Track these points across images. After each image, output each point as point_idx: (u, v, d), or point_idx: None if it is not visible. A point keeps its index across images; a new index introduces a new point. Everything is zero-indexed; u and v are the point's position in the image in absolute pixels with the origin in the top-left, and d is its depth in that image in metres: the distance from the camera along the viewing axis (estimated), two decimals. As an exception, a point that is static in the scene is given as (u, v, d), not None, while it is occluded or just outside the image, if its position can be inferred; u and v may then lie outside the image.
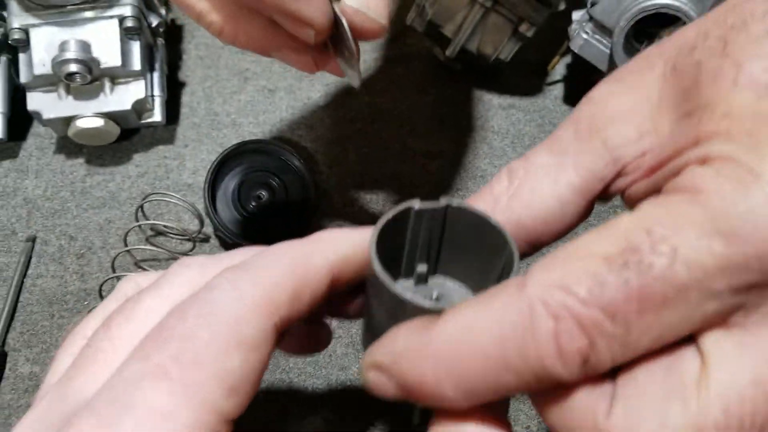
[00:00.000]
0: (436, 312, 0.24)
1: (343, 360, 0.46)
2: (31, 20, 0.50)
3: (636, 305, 0.22)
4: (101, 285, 0.46)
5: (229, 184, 0.50)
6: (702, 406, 0.22)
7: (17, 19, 0.50)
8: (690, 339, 0.23)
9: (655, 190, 0.25)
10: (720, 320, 0.23)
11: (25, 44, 0.50)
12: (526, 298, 0.22)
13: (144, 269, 0.48)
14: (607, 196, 0.28)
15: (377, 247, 0.26)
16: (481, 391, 0.23)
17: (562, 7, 0.56)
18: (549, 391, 0.24)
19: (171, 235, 0.51)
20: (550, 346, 0.22)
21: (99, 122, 0.51)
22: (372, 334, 0.27)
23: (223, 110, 0.58)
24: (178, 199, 0.48)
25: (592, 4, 0.53)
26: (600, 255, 0.22)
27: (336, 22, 0.32)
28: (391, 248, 0.28)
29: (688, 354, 0.23)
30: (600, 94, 0.28)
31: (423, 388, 0.24)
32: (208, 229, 0.51)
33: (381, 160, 0.55)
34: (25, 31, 0.50)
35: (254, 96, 0.59)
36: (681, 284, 0.21)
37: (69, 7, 0.50)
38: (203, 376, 0.23)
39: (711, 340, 0.23)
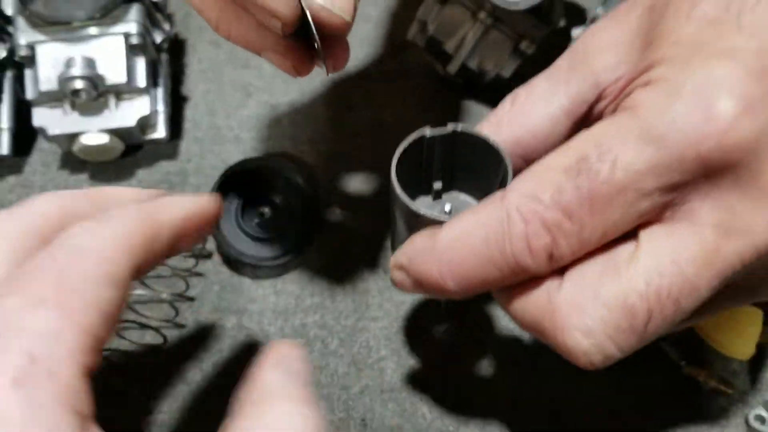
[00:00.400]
0: (442, 222, 0.31)
1: (345, 379, 0.46)
2: (38, 37, 0.51)
3: (587, 206, 0.27)
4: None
5: (232, 201, 0.51)
6: (628, 279, 0.27)
7: (24, 35, 0.51)
8: (632, 236, 0.28)
9: (622, 99, 0.30)
10: (654, 217, 0.28)
11: (31, 60, 0.51)
12: (505, 207, 0.28)
13: (147, 285, 0.49)
14: (591, 120, 0.32)
15: (397, 169, 0.33)
16: (472, 283, 0.30)
17: (562, 24, 0.57)
18: (518, 286, 0.30)
19: None
20: (523, 244, 0.28)
21: (104, 138, 0.52)
22: (397, 243, 0.35)
23: (226, 125, 0.59)
24: None
25: (592, 22, 0.54)
26: (561, 166, 0.28)
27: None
28: (410, 170, 0.34)
29: (626, 245, 0.28)
30: (594, 29, 0.33)
31: (431, 282, 0.31)
32: (211, 245, 0.51)
33: (383, 175, 0.55)
34: (32, 47, 0.51)
35: (257, 110, 0.59)
36: (620, 186, 0.27)
37: (75, 23, 0.51)
38: (82, 303, 0.25)
39: (645, 232, 0.28)
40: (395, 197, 0.33)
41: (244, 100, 0.60)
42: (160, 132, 0.55)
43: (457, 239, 0.30)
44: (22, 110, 0.55)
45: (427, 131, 0.34)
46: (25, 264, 0.26)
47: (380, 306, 0.49)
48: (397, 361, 0.47)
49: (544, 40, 0.55)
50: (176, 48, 0.63)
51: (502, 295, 0.31)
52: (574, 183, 0.27)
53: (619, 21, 0.32)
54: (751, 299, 0.32)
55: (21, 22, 0.51)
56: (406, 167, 0.34)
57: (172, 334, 0.48)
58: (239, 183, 0.52)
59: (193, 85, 0.61)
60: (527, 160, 0.33)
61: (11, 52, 0.54)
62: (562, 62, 0.34)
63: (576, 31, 0.56)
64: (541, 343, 0.31)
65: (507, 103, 0.35)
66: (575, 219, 0.27)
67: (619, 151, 0.27)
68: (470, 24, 0.54)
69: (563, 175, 0.28)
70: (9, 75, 0.55)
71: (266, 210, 0.50)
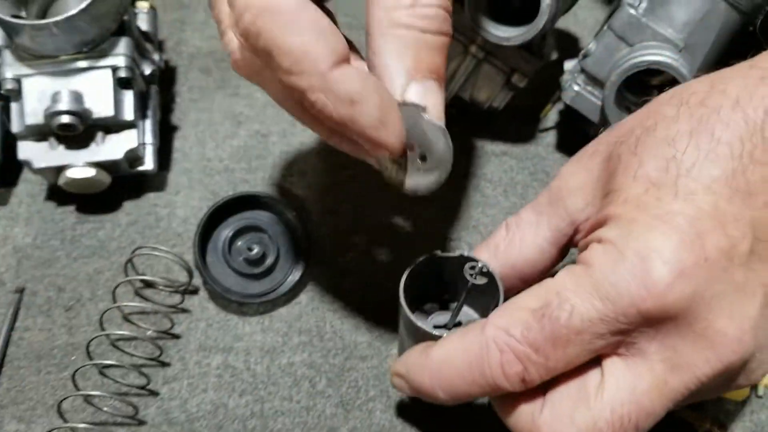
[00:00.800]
0: (438, 337, 0.38)
1: (332, 420, 0.46)
2: (24, 70, 0.51)
3: (551, 343, 0.33)
4: (89, 342, 0.46)
5: (220, 236, 0.50)
6: (597, 408, 0.33)
7: (10, 69, 0.51)
8: (598, 362, 0.34)
9: (587, 246, 0.35)
10: (611, 351, 0.34)
11: (17, 94, 0.50)
12: (484, 337, 0.34)
13: (133, 323, 0.48)
14: (573, 246, 0.39)
15: (407, 282, 0.39)
16: (460, 395, 0.36)
17: (554, 56, 0.57)
18: (505, 401, 0.36)
19: (160, 288, 0.51)
20: (499, 370, 0.34)
21: (90, 172, 0.51)
22: (401, 349, 0.42)
23: (216, 155, 0.58)
24: (166, 252, 0.48)
25: (584, 56, 0.53)
26: (529, 308, 0.34)
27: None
28: (421, 281, 0.41)
29: (594, 374, 0.34)
30: (565, 170, 0.39)
31: (424, 391, 0.38)
32: (197, 280, 0.51)
33: (373, 208, 0.55)
34: (18, 81, 0.50)
35: (247, 141, 0.59)
36: (577, 330, 0.32)
37: (62, 57, 0.50)
38: None
39: (607, 363, 0.34)
40: (401, 309, 0.39)
41: (235, 130, 0.60)
42: (148, 164, 0.54)
43: (445, 360, 0.36)
44: (7, 141, 0.55)
45: (437, 253, 0.41)
46: None
47: (369, 344, 0.49)
48: (386, 402, 0.46)
49: (536, 72, 0.55)
50: (167, 75, 0.62)
51: (498, 409, 0.37)
52: (540, 324, 0.33)
53: (584, 167, 0.38)
54: (693, 402, 0.36)
55: (7, 55, 0.51)
56: (417, 279, 0.40)
57: (156, 373, 0.47)
58: (228, 218, 0.51)
59: (183, 114, 0.61)
60: (523, 281, 0.40)
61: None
62: (542, 198, 0.40)
63: (568, 65, 0.56)
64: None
65: (502, 230, 0.41)
66: (541, 353, 0.33)
67: (575, 302, 0.33)
68: (462, 57, 0.54)
69: (531, 316, 0.33)
70: (-5, 107, 0.55)
71: (254, 246, 0.50)
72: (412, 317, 0.38)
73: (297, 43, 0.31)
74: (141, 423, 0.45)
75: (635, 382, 0.33)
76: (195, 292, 0.51)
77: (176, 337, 0.49)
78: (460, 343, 0.36)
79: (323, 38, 0.31)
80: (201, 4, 0.69)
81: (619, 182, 0.34)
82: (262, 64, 0.34)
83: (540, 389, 0.35)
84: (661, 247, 0.31)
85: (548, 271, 0.40)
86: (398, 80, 0.33)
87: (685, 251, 0.31)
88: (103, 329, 0.47)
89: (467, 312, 0.44)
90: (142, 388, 0.46)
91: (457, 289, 0.43)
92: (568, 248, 0.39)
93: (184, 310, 0.50)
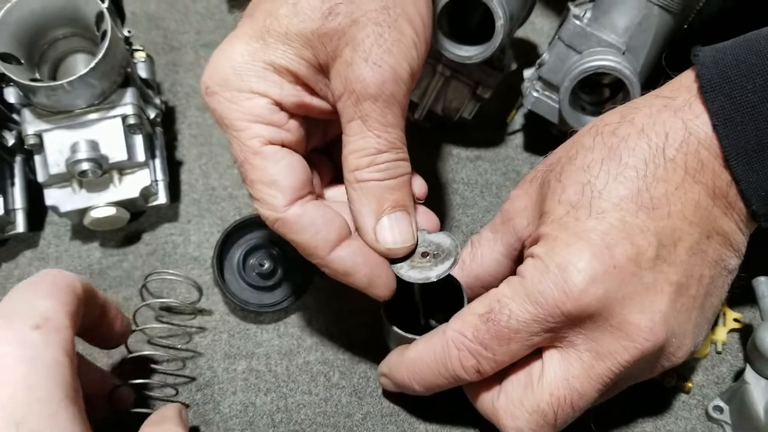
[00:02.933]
0: (411, 340, 0.46)
1: (348, 408, 0.52)
2: (44, 126, 0.56)
3: (496, 341, 0.40)
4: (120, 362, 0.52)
5: (234, 256, 0.56)
6: (539, 392, 0.41)
7: (31, 126, 0.56)
8: (540, 354, 0.42)
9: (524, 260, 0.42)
10: (548, 344, 0.41)
11: (39, 147, 0.56)
12: (445, 338, 0.42)
13: (156, 344, 0.54)
14: (524, 258, 0.43)
15: (387, 304, 0.46)
16: (431, 386, 0.44)
17: (513, 67, 0.63)
18: (471, 390, 0.45)
19: (174, 307, 0.56)
20: (458, 364, 0.42)
21: (111, 211, 0.57)
22: (389, 343, 0.50)
23: (220, 184, 0.64)
24: (175, 274, 0.53)
25: (540, 65, 0.60)
26: (477, 314, 0.41)
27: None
28: (401, 294, 0.46)
29: (537, 363, 0.42)
30: (513, 194, 0.47)
31: (404, 385, 0.46)
32: (213, 297, 0.57)
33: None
34: (39, 136, 0.56)
35: (246, 168, 0.65)
36: (515, 329, 0.40)
37: (76, 111, 0.56)
38: (65, 297, 0.40)
39: (547, 355, 0.41)
40: (384, 319, 0.47)
41: (234, 160, 0.66)
42: (161, 198, 0.60)
43: (417, 358, 0.44)
44: (32, 189, 0.61)
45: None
46: (30, 281, 0.41)
47: (374, 340, 0.55)
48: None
49: (499, 83, 0.61)
50: (167, 115, 0.68)
51: (469, 397, 0.46)
52: (486, 326, 0.40)
53: (525, 192, 0.46)
54: (639, 381, 0.44)
55: (27, 113, 0.57)
56: (398, 292, 0.46)
57: (191, 387, 0.53)
58: (239, 239, 0.57)
59: (186, 150, 0.67)
60: (486, 288, 0.45)
61: (19, 139, 0.59)
62: (497, 219, 0.48)
63: (527, 73, 0.62)
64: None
65: (468, 247, 0.49)
66: (489, 349, 0.40)
67: (513, 307, 0.40)
68: (431, 76, 0.60)
69: (479, 320, 0.41)
70: (18, 159, 0.60)
71: (266, 261, 0.56)
72: (393, 327, 0.46)
73: (301, 240, 0.43)
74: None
75: (568, 369, 0.40)
76: (209, 312, 0.56)
77: (199, 353, 0.54)
78: (428, 345, 0.43)
79: (320, 234, 0.42)
80: (189, 46, 0.74)
81: (548, 205, 0.42)
82: None
83: (497, 379, 0.43)
84: (576, 260, 0.38)
85: (505, 278, 0.45)
86: (368, 222, 0.43)
87: (595, 261, 0.38)
88: (129, 351, 0.51)
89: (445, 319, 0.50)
90: (176, 391, 0.52)
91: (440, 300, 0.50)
92: (520, 259, 0.45)
93: (202, 328, 0.56)
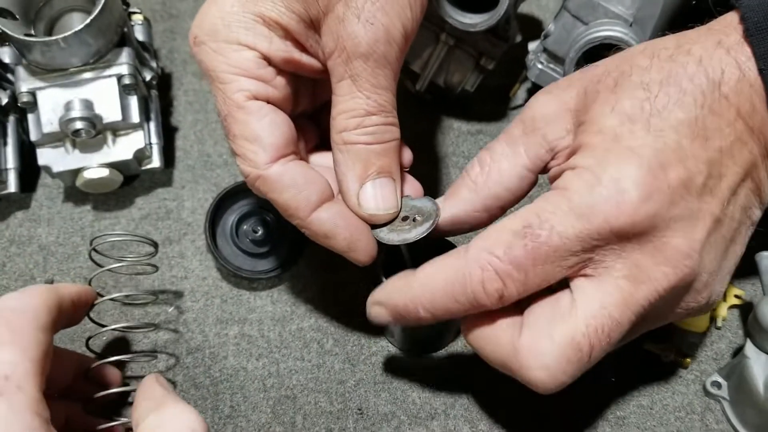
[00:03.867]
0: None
1: (341, 374, 0.51)
2: (38, 83, 0.55)
3: (531, 260, 0.36)
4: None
5: (227, 222, 0.56)
6: (571, 324, 0.37)
7: (24, 83, 0.55)
8: (566, 286, 0.38)
9: (560, 173, 0.39)
10: (580, 270, 0.37)
11: (33, 106, 0.55)
12: (468, 257, 0.38)
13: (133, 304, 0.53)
14: (545, 172, 0.42)
15: (384, 262, 0.46)
16: (440, 312, 0.39)
17: (518, 39, 0.62)
18: (483, 332, 0.40)
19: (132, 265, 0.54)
20: (480, 287, 0.37)
21: (104, 172, 0.56)
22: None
23: (215, 151, 0.63)
24: (123, 234, 0.52)
25: (545, 36, 0.59)
26: (511, 229, 0.37)
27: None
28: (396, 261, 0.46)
29: (564, 295, 0.38)
30: (536, 102, 0.42)
31: (406, 312, 0.40)
32: (206, 262, 0.56)
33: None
34: (33, 93, 0.55)
35: (243, 136, 0.64)
36: (556, 246, 0.36)
37: (71, 69, 0.55)
38: (28, 343, 0.37)
39: (576, 285, 0.38)
40: (380, 278, 0.46)
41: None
42: (155, 162, 0.59)
43: (428, 279, 0.39)
44: (24, 150, 0.60)
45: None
46: None
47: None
48: (386, 355, 0.52)
49: (503, 55, 0.60)
50: (164, 82, 0.67)
51: (477, 345, 0.41)
52: (522, 242, 0.36)
53: (557, 98, 0.41)
54: (659, 324, 0.41)
55: (21, 71, 0.56)
56: (393, 256, 0.45)
57: (180, 345, 0.52)
58: (232, 205, 0.56)
59: (182, 116, 0.66)
60: (504, 210, 0.43)
61: (13, 98, 0.58)
62: (514, 129, 0.43)
63: (532, 45, 0.61)
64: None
65: (476, 166, 0.43)
66: (521, 270, 0.37)
67: (555, 222, 0.36)
68: (434, 45, 0.59)
69: (513, 236, 0.37)
70: (12, 119, 0.59)
71: (259, 228, 0.55)
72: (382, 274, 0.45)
73: (281, 199, 0.42)
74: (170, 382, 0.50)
75: (604, 297, 0.37)
76: (157, 269, 0.52)
77: (155, 326, 0.53)
78: (443, 265, 0.39)
79: (301, 194, 0.41)
80: (188, 14, 0.73)
81: (596, 114, 0.38)
82: None
83: (515, 317, 0.39)
84: (633, 174, 0.36)
85: (524, 197, 0.43)
86: (352, 186, 0.42)
87: (651, 177, 0.36)
88: (94, 323, 0.49)
89: None
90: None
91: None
92: (538, 175, 0.43)
93: (165, 292, 0.55)
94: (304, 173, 0.42)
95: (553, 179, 0.40)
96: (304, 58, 0.43)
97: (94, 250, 0.49)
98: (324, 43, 0.41)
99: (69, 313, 0.43)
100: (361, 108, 0.41)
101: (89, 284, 0.47)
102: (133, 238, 0.49)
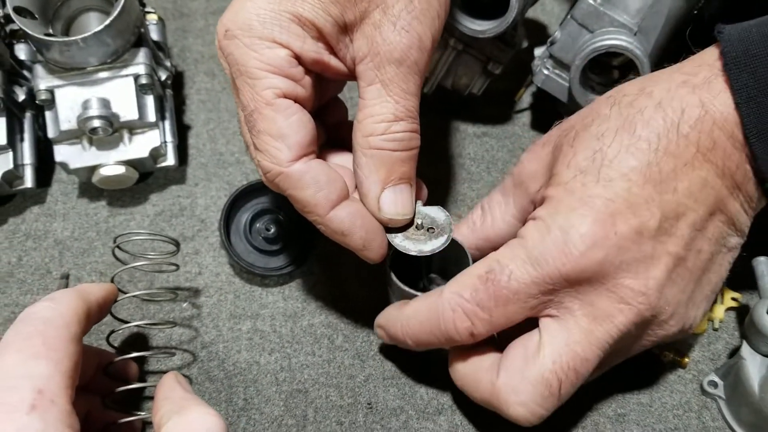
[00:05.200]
0: (414, 296, 0.46)
1: (351, 370, 0.53)
2: (56, 82, 0.57)
3: (494, 302, 0.40)
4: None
5: (241, 220, 0.57)
6: (540, 362, 0.40)
7: (43, 81, 0.56)
8: (536, 325, 0.41)
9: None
10: (543, 310, 0.41)
11: (51, 103, 0.56)
12: (442, 299, 0.42)
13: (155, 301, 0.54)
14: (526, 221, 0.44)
15: (393, 256, 0.47)
16: (422, 343, 0.44)
17: (524, 44, 0.64)
18: (467, 377, 0.44)
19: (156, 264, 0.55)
20: (451, 325, 0.41)
21: (120, 169, 0.57)
22: (391, 298, 0.50)
23: (227, 150, 0.64)
24: (146, 233, 0.52)
25: (551, 43, 0.60)
26: (476, 274, 0.41)
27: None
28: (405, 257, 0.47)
29: (534, 335, 0.41)
30: (524, 158, 0.47)
31: (397, 339, 0.46)
32: (220, 259, 0.57)
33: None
34: (51, 91, 0.56)
35: (254, 135, 0.65)
36: (515, 290, 0.40)
37: (89, 68, 0.56)
38: (60, 355, 0.38)
39: (543, 324, 0.41)
40: (388, 275, 0.47)
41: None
42: (170, 160, 0.61)
43: (413, 315, 0.44)
44: (40, 146, 0.61)
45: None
46: (9, 333, 0.39)
47: (377, 305, 0.55)
48: (395, 351, 0.53)
49: (509, 60, 0.61)
50: (176, 80, 0.68)
51: (464, 388, 0.45)
52: (485, 286, 0.40)
53: (537, 156, 0.46)
54: (631, 354, 0.44)
55: (39, 69, 0.57)
56: (403, 254, 0.46)
57: (195, 339, 0.54)
58: (246, 203, 0.58)
59: (194, 114, 0.67)
60: (495, 249, 0.44)
61: (29, 94, 0.59)
62: (508, 183, 0.48)
63: (538, 51, 0.63)
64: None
65: (478, 210, 0.50)
66: (485, 310, 0.40)
67: (512, 268, 0.40)
68: (443, 49, 0.61)
69: (478, 281, 0.41)
70: (28, 115, 0.61)
71: (272, 226, 0.56)
72: (395, 279, 0.46)
73: (301, 196, 0.43)
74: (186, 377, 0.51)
75: (567, 335, 0.40)
76: (177, 267, 0.54)
77: (173, 323, 0.54)
78: (424, 303, 0.44)
79: (321, 192, 0.42)
80: (199, 13, 0.74)
81: (557, 169, 0.42)
82: None
83: (494, 363, 0.43)
84: (579, 224, 0.39)
85: None
86: (374, 190, 0.44)
87: (597, 227, 0.38)
88: (115, 319, 0.51)
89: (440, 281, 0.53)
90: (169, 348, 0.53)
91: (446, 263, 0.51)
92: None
93: (182, 289, 0.57)
94: (325, 171, 0.43)
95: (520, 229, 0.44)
96: (333, 61, 0.44)
97: (118, 247, 0.50)
98: (357, 47, 0.43)
99: (96, 317, 0.45)
100: (390, 113, 0.43)
101: (111, 281, 0.49)
102: (157, 237, 0.50)
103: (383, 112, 0.43)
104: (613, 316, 0.39)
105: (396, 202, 0.44)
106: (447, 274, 0.49)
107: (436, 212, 0.47)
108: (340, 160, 0.48)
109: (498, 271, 0.40)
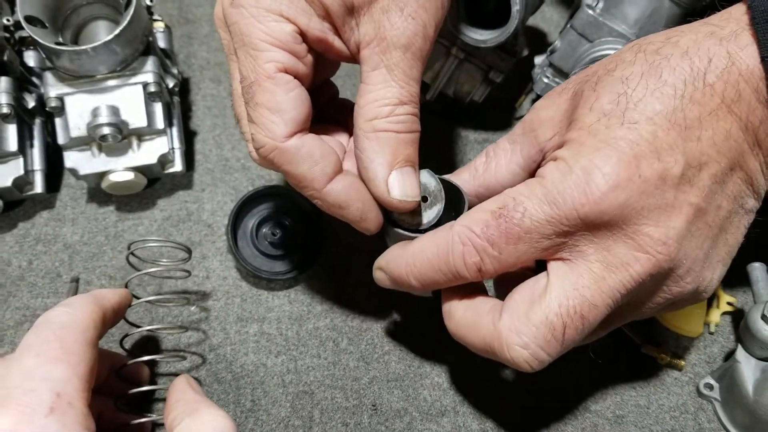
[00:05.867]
0: (413, 238, 0.44)
1: (355, 372, 0.54)
2: (66, 89, 0.58)
3: (504, 238, 0.39)
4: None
5: (247, 225, 0.58)
6: (546, 305, 0.39)
7: (53, 89, 0.58)
8: (545, 268, 0.40)
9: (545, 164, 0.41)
10: (555, 252, 0.39)
11: (61, 110, 0.58)
12: (451, 233, 0.41)
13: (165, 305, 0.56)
14: (544, 163, 0.43)
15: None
16: (428, 282, 0.43)
17: (525, 53, 0.65)
18: (469, 315, 0.43)
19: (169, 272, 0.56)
20: (461, 260, 0.40)
21: (129, 175, 0.59)
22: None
23: (233, 156, 0.66)
24: (159, 240, 0.54)
25: (551, 52, 0.62)
26: (489, 210, 0.40)
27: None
28: None
29: (542, 278, 0.40)
30: (538, 105, 0.45)
31: (400, 279, 0.44)
32: (227, 263, 0.59)
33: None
34: (61, 99, 0.57)
35: (259, 141, 0.67)
36: (527, 228, 0.38)
37: (98, 76, 0.58)
38: (77, 359, 0.40)
39: (552, 267, 0.40)
40: (386, 223, 0.46)
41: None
42: (178, 166, 0.62)
43: (419, 251, 0.43)
44: (49, 151, 0.62)
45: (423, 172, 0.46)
46: (28, 337, 0.40)
47: (380, 308, 0.57)
48: (399, 354, 0.55)
49: (510, 69, 0.63)
50: (182, 86, 0.69)
51: (457, 329, 0.44)
52: (497, 222, 0.39)
53: (554, 102, 0.44)
54: (646, 311, 0.42)
55: (49, 76, 0.58)
56: None
57: (203, 342, 0.55)
58: (252, 209, 0.59)
59: (201, 120, 0.68)
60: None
61: (39, 101, 0.61)
62: (517, 129, 0.46)
63: (538, 60, 0.64)
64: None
65: (482, 157, 0.48)
66: (495, 246, 0.39)
67: (528, 205, 0.39)
68: (445, 58, 0.62)
69: (490, 216, 0.40)
70: (38, 122, 0.62)
71: (278, 231, 0.58)
72: (395, 228, 0.46)
73: (298, 171, 0.42)
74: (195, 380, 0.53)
75: (577, 279, 0.38)
76: (187, 273, 0.55)
77: (184, 329, 0.55)
78: (432, 239, 0.43)
79: (317, 166, 0.42)
80: (204, 19, 0.76)
81: (579, 113, 0.40)
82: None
83: (497, 304, 0.42)
84: (602, 164, 0.37)
85: None
86: (381, 172, 0.43)
87: (621, 168, 0.37)
88: (129, 324, 0.53)
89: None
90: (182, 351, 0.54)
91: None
92: (533, 172, 0.44)
93: (198, 293, 0.58)
94: (319, 146, 0.43)
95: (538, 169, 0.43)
96: (336, 42, 0.44)
97: (132, 254, 0.51)
98: (363, 31, 0.43)
99: (111, 322, 0.46)
100: (395, 97, 0.43)
101: (125, 286, 0.50)
102: (170, 244, 0.51)
103: (388, 96, 0.43)
104: (629, 265, 0.38)
105: (404, 183, 0.44)
106: (441, 222, 0.47)
107: (426, 178, 0.46)
108: (328, 138, 0.48)
109: (511, 207, 0.39)
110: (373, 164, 0.43)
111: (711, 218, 0.39)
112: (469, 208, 0.43)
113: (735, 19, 0.40)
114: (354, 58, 0.45)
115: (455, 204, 0.46)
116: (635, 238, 0.38)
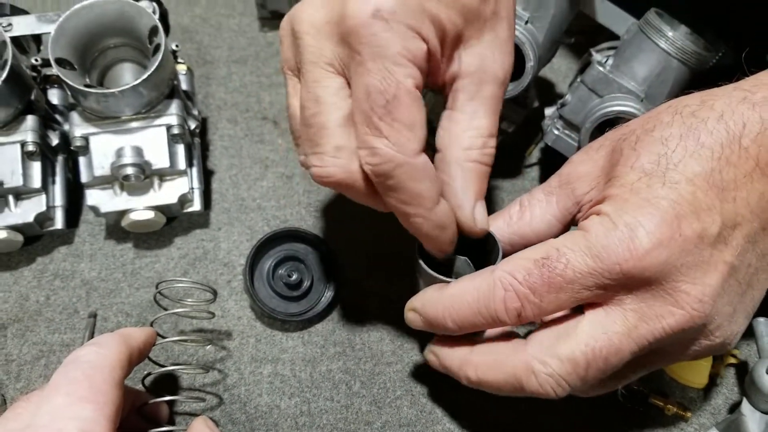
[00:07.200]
0: (449, 282, 0.45)
1: (368, 416, 0.55)
2: (91, 129, 0.59)
3: (547, 287, 0.40)
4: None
5: (264, 265, 0.59)
6: (574, 341, 0.41)
7: (78, 128, 0.59)
8: (581, 312, 0.42)
9: (587, 218, 0.42)
10: (593, 302, 0.41)
11: (85, 150, 0.59)
12: (493, 278, 0.42)
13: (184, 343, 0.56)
14: (575, 223, 0.45)
15: (420, 247, 0.47)
16: (465, 325, 0.44)
17: (536, 105, 0.67)
18: (483, 354, 0.45)
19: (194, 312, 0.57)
20: (501, 305, 0.42)
21: (150, 214, 0.60)
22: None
23: (249, 195, 0.67)
24: (186, 281, 0.55)
25: (562, 105, 0.64)
26: (532, 258, 0.41)
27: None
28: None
29: (576, 318, 0.42)
30: (575, 159, 0.47)
31: (435, 321, 0.45)
32: (242, 302, 0.60)
33: (390, 237, 0.63)
34: (86, 138, 0.59)
35: (274, 182, 0.68)
36: (570, 279, 0.40)
37: (123, 117, 0.59)
38: (105, 399, 0.41)
39: (589, 311, 0.41)
40: (418, 266, 0.47)
41: (263, 173, 0.69)
42: (197, 205, 0.63)
43: (459, 294, 0.44)
44: (70, 188, 0.63)
45: None
46: (57, 376, 0.41)
47: (393, 352, 0.58)
48: (411, 399, 0.55)
49: (522, 120, 0.65)
50: (201, 126, 0.71)
51: (479, 372, 0.45)
52: (540, 271, 0.41)
53: (591, 158, 0.46)
54: (666, 365, 0.45)
55: (75, 116, 0.60)
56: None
57: (218, 382, 0.56)
58: (270, 250, 0.60)
59: (218, 160, 0.70)
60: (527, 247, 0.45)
61: (62, 138, 0.62)
62: (553, 182, 0.48)
63: (549, 111, 0.66)
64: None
65: (516, 206, 0.49)
66: (537, 294, 0.41)
67: (571, 257, 0.40)
68: (459, 108, 0.64)
69: (533, 264, 0.41)
70: (60, 158, 0.63)
71: (293, 272, 0.59)
72: (426, 267, 0.47)
73: (418, 189, 0.42)
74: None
75: (609, 324, 0.40)
76: (215, 315, 0.57)
77: (210, 368, 0.56)
78: (472, 282, 0.44)
79: (434, 185, 0.43)
80: (222, 60, 0.78)
81: (620, 171, 0.42)
82: (367, 187, 0.44)
83: (517, 346, 0.43)
84: (646, 222, 0.39)
85: None
86: (469, 201, 0.46)
87: (664, 227, 0.39)
88: (153, 364, 0.55)
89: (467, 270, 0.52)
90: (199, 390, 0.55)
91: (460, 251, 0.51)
92: (569, 226, 0.47)
93: (221, 332, 0.59)
94: (432, 167, 0.44)
95: (580, 222, 0.44)
96: (441, 65, 0.45)
97: (160, 293, 0.52)
98: (468, 60, 0.45)
99: (137, 361, 0.47)
100: (487, 128, 0.45)
101: (151, 325, 0.51)
102: (198, 286, 0.52)
103: (483, 127, 0.45)
104: (662, 318, 0.40)
105: (484, 215, 0.47)
106: (474, 267, 0.49)
107: None
108: None
109: (555, 258, 0.40)
110: (465, 193, 0.45)
111: (742, 275, 0.41)
112: (504, 255, 0.45)
113: (765, 84, 0.42)
114: (435, 85, 0.46)
115: (489, 250, 0.48)
116: (673, 294, 0.39)
